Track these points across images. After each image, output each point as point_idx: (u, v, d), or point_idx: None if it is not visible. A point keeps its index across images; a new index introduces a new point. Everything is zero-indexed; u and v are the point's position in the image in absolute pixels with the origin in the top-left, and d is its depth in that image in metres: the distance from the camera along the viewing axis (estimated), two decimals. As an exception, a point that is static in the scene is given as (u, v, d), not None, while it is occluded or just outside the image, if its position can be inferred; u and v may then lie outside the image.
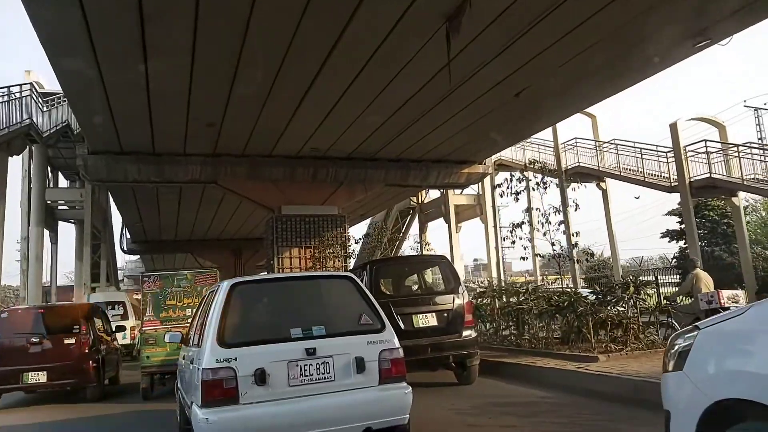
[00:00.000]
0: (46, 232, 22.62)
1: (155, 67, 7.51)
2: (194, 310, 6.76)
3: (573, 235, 8.96)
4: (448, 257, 10.56)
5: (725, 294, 7.87)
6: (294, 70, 8.05)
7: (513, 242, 9.27)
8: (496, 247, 21.51)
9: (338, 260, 12.55)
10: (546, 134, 19.55)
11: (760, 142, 22.08)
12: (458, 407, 6.27)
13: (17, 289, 22.74)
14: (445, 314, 7.66)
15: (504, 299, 10.27)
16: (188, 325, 6.35)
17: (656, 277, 9.65)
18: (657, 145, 17.08)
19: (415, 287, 9.69)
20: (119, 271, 36.79)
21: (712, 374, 2.59)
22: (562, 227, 8.82)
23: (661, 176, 16.77)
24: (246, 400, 3.68)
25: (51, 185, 23.69)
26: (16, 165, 20.65)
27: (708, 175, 15.52)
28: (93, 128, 10.22)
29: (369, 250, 13.97)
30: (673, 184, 16.24)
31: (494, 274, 21.43)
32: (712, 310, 7.45)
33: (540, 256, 9.83)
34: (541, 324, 9.06)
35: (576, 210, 9.07)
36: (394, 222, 23.87)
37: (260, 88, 8.57)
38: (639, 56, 8.14)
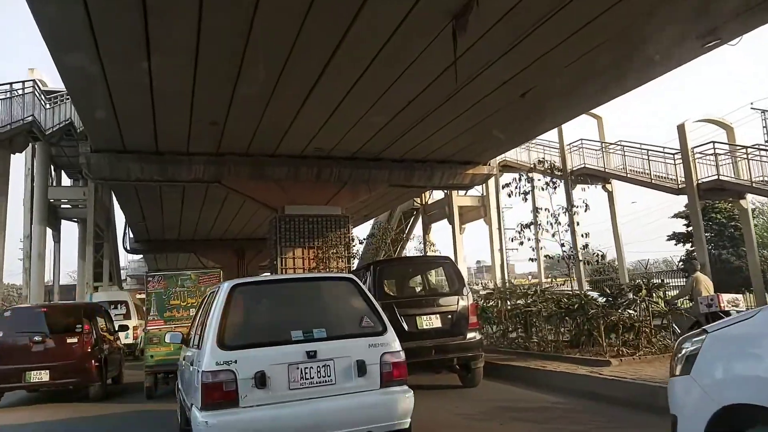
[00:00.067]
0: (49, 231, 22.65)
1: (158, 64, 7.48)
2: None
3: (582, 236, 8.82)
4: (452, 258, 10.47)
5: (725, 297, 7.84)
6: (298, 70, 7.99)
7: (521, 243, 9.16)
8: (501, 249, 21.41)
9: (342, 261, 12.49)
10: (551, 135, 19.48)
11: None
12: (465, 411, 6.11)
13: (20, 288, 22.73)
14: (450, 316, 7.58)
15: (512, 301, 10.12)
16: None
17: (662, 280, 9.51)
18: (664, 147, 16.98)
19: (419, 288, 9.61)
20: (122, 271, 36.86)
21: (720, 379, 2.56)
22: (570, 228, 8.67)
23: (668, 178, 16.64)
24: (246, 404, 3.64)
25: (54, 184, 23.74)
26: (19, 163, 20.71)
27: (716, 177, 15.37)
28: (96, 126, 10.20)
29: (373, 250, 13.90)
30: (680, 186, 16.11)
31: (498, 276, 21.35)
32: (712, 314, 7.42)
33: (549, 257, 9.66)
34: (549, 327, 8.91)
35: (586, 210, 8.96)
36: (398, 223, 23.80)
37: (264, 88, 8.52)
38: (646, 56, 8.04)
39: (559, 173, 10.20)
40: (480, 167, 13.68)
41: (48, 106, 16.41)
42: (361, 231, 23.99)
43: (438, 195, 23.26)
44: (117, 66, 7.60)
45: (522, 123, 11.31)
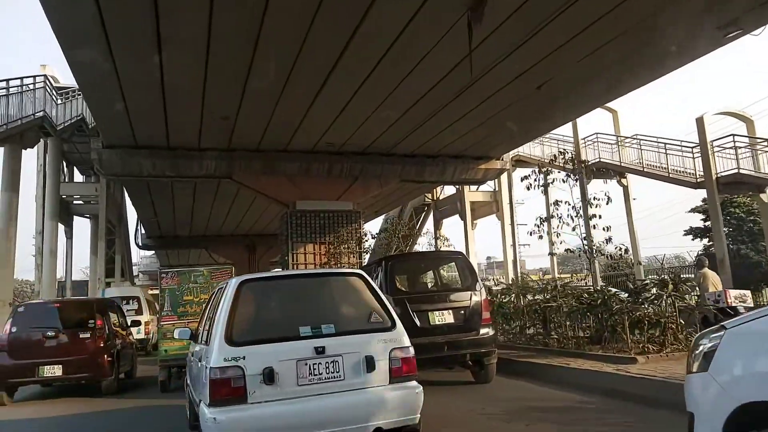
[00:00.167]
0: (62, 227, 22.84)
1: (169, 59, 7.44)
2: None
3: (604, 229, 8.64)
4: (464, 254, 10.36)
5: (732, 293, 7.77)
6: (308, 65, 7.92)
7: (540, 236, 9.01)
8: (513, 245, 21.23)
9: (353, 256, 12.42)
10: (565, 130, 19.24)
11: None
12: (489, 411, 5.93)
13: (33, 283, 22.95)
14: (462, 311, 7.51)
15: (530, 296, 9.92)
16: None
17: (679, 276, 9.30)
18: (681, 141, 16.67)
19: (431, 284, 9.52)
20: (134, 267, 37.13)
21: (739, 376, 2.51)
22: (591, 221, 8.46)
23: (686, 172, 16.35)
24: (254, 400, 3.62)
25: (66, 180, 23.90)
26: (31, 159, 20.89)
27: (736, 170, 15.06)
28: (107, 122, 10.20)
29: (385, 245, 13.81)
30: (699, 180, 15.81)
31: (510, 272, 21.19)
32: (719, 310, 7.37)
33: (570, 251, 9.47)
34: (569, 323, 8.73)
35: (608, 203, 8.76)
36: (408, 219, 23.70)
37: (275, 83, 8.46)
38: (664, 48, 7.85)
39: (582, 165, 9.90)
40: (493, 162, 13.53)
41: (59, 101, 16.46)
42: (372, 227, 23.92)
43: (449, 190, 23.16)
44: (128, 61, 7.56)
45: (536, 117, 11.14)
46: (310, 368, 3.75)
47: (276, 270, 17.11)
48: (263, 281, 4.51)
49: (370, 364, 3.84)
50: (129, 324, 11.27)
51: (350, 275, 4.66)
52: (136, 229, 25.23)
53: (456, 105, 9.68)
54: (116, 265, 25.44)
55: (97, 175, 18.42)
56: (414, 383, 4.02)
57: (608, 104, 17.12)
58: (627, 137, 18.54)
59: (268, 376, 3.63)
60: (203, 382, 3.82)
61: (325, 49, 7.55)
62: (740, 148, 15.18)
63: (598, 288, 9.21)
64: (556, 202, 8.76)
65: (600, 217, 8.56)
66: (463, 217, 21.62)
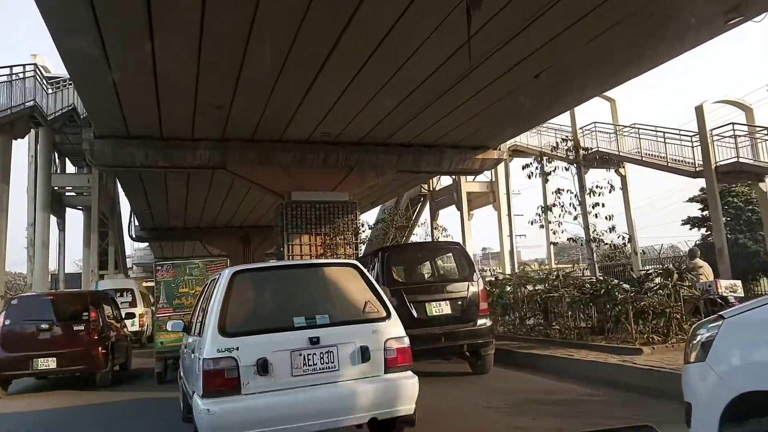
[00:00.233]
0: (54, 219, 22.59)
1: (162, 46, 7.27)
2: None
3: (607, 218, 8.58)
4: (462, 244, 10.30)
5: (723, 283, 7.76)
6: (304, 52, 7.78)
7: (541, 226, 8.93)
8: (510, 235, 21.21)
9: (349, 247, 12.35)
10: (562, 119, 19.11)
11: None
12: (494, 404, 5.80)
13: (26, 276, 22.75)
14: (460, 302, 7.47)
15: (530, 287, 9.82)
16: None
17: (684, 265, 9.19)
18: (680, 130, 16.60)
19: (428, 275, 9.47)
20: (128, 259, 36.91)
21: (737, 365, 2.51)
22: (594, 210, 8.36)
23: (684, 161, 16.30)
24: (248, 391, 3.59)
25: (58, 171, 23.62)
26: (22, 151, 20.59)
27: (735, 159, 14.99)
28: (99, 111, 10.03)
29: (381, 236, 13.74)
30: (698, 169, 15.73)
31: (507, 262, 21.18)
32: (710, 300, 7.35)
33: (573, 241, 9.40)
34: (570, 313, 8.66)
35: (611, 191, 8.69)
36: (405, 209, 23.63)
37: (270, 70, 8.32)
38: (667, 34, 7.76)
39: (585, 151, 9.78)
40: (490, 152, 13.44)
41: (50, 91, 16.16)
42: (368, 218, 23.80)
43: (446, 181, 23.08)
44: (120, 48, 7.41)
45: (534, 105, 11.01)
46: (304, 359, 3.72)
47: (272, 261, 17.03)
48: (256, 272, 4.46)
49: (364, 354, 3.81)
50: (123, 316, 11.17)
51: (344, 265, 4.64)
52: (130, 221, 25.03)
53: (453, 94, 9.56)
54: (109, 258, 25.20)
55: (89, 166, 18.18)
56: (409, 373, 3.99)
57: (606, 93, 16.98)
58: (625, 126, 18.46)
59: (262, 367, 3.59)
60: (196, 374, 3.79)
61: (321, 36, 7.42)
62: (739, 136, 15.12)
63: (599, 278, 9.10)
64: (558, 191, 8.67)
65: (603, 205, 8.48)
66: (460, 208, 21.56)
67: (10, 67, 13.18)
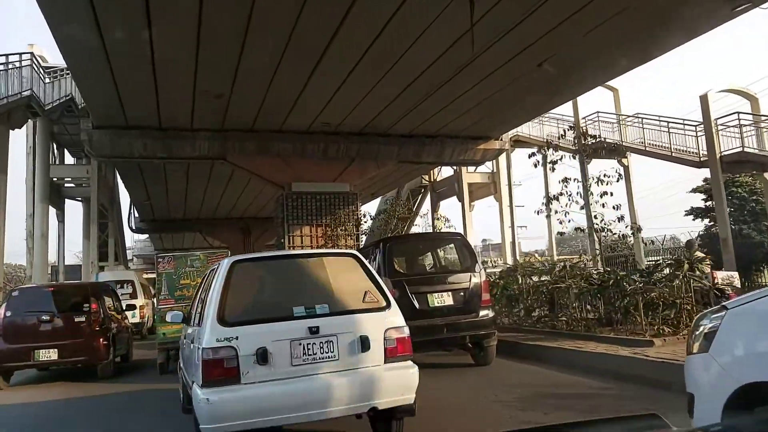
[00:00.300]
0: (53, 211, 22.50)
1: (160, 34, 7.18)
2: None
3: (614, 208, 8.45)
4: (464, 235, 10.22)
5: (719, 275, 7.69)
6: (304, 40, 7.68)
7: (548, 215, 8.81)
8: (512, 226, 21.13)
9: (350, 238, 12.29)
10: (565, 109, 18.94)
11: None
12: (503, 398, 5.61)
13: (26, 268, 22.69)
14: (462, 293, 7.41)
15: (536, 278, 9.67)
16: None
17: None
18: (684, 119, 16.43)
19: (430, 266, 9.41)
20: (128, 251, 36.89)
21: (740, 356, 2.51)
22: (602, 199, 8.22)
23: (688, 151, 16.16)
24: (248, 380, 3.57)
25: (57, 162, 23.49)
26: (21, 141, 20.46)
27: (740, 149, 14.80)
28: (96, 101, 9.94)
29: (383, 227, 13.67)
30: (702, 159, 15.55)
31: (508, 254, 21.11)
32: (706, 292, 7.26)
33: (581, 230, 9.27)
34: (576, 304, 8.55)
35: (618, 180, 8.56)
36: (406, 201, 23.55)
37: (270, 58, 8.22)
38: (673, 22, 7.63)
39: (593, 140, 9.58)
40: (492, 142, 13.35)
41: (47, 80, 15.98)
42: (368, 209, 23.71)
43: (447, 172, 22.97)
44: (117, 36, 7.30)
45: (537, 95, 10.92)
46: (304, 348, 3.70)
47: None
48: (256, 261, 4.44)
49: (364, 344, 3.79)
50: (124, 308, 11.15)
51: (344, 255, 4.61)
52: (130, 213, 24.98)
53: (455, 82, 9.47)
54: (109, 249, 25.13)
55: (88, 157, 18.08)
56: (409, 363, 3.96)
57: (609, 83, 16.79)
58: (629, 116, 18.29)
59: (262, 357, 3.57)
60: (196, 364, 3.76)
61: (320, 25, 7.32)
62: (744, 126, 14.91)
63: (607, 269, 8.93)
64: (566, 179, 8.54)
65: (612, 194, 8.35)
66: (461, 199, 21.46)
67: (6, 55, 13.00)
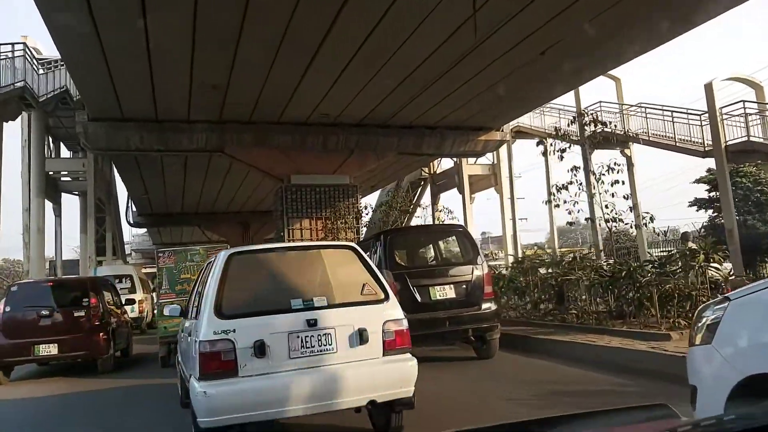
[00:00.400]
0: (50, 205, 22.31)
1: (155, 22, 7.03)
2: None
3: (625, 197, 8.27)
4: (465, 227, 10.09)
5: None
6: (302, 29, 7.54)
7: (557, 205, 8.64)
8: (513, 218, 21.02)
9: (351, 231, 12.18)
10: (567, 100, 18.75)
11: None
12: (517, 396, 5.36)
13: (24, 263, 22.53)
14: (464, 286, 7.30)
15: (543, 270, 9.47)
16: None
17: (705, 245, 8.81)
18: (688, 109, 16.24)
19: (431, 258, 9.31)
20: (126, 245, 36.75)
21: (743, 348, 2.49)
22: (613, 188, 8.04)
23: (693, 141, 15.97)
24: (245, 373, 3.55)
25: (53, 156, 23.28)
26: (16, 134, 20.23)
27: (746, 138, 14.57)
28: (91, 92, 9.80)
29: (384, 219, 13.54)
30: (707, 149, 15.34)
31: (510, 246, 21.02)
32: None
33: (591, 221, 9.10)
34: (584, 296, 8.37)
35: (629, 169, 8.41)
36: (405, 193, 23.40)
37: (267, 48, 8.08)
38: (680, 6, 7.46)
39: (603, 126, 9.34)
40: (492, 133, 13.22)
41: (41, 71, 15.74)
42: (369, 201, 23.56)
43: (446, 164, 22.84)
44: (111, 24, 7.17)
45: (539, 84, 10.78)
46: (302, 341, 3.67)
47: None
48: (253, 254, 4.38)
49: (362, 336, 3.76)
50: (123, 302, 11.09)
51: (342, 248, 4.57)
52: (127, 207, 24.81)
53: (457, 72, 9.32)
54: (107, 244, 24.99)
55: (84, 150, 17.91)
56: (408, 356, 3.93)
57: (611, 72, 16.56)
58: (632, 105, 18.09)
59: (259, 349, 3.55)
60: (193, 357, 3.73)
61: (320, 11, 7.17)
62: (750, 115, 14.67)
63: (617, 260, 8.69)
64: (575, 168, 8.38)
65: (623, 183, 8.17)
66: (462, 191, 21.33)
67: (-2, 45, 12.73)
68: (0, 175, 12.97)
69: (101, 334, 8.58)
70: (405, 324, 3.97)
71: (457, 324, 7.10)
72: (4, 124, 13.14)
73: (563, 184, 8.41)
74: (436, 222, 16.76)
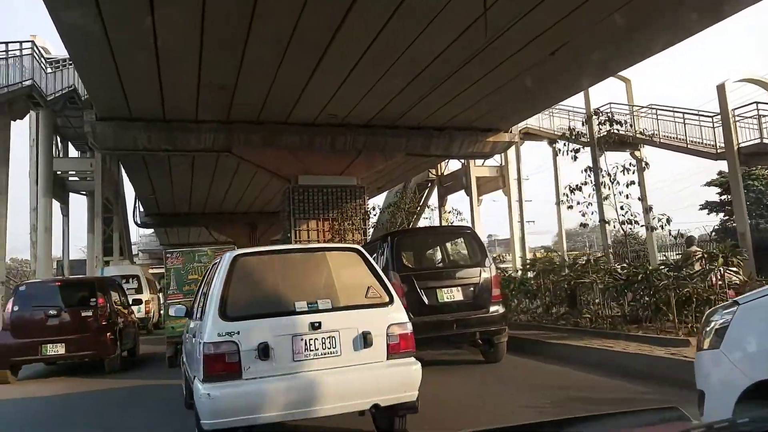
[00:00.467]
0: (57, 205, 22.38)
1: (162, 20, 7.01)
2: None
3: (639, 199, 8.13)
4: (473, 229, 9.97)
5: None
6: (311, 27, 7.49)
7: (570, 207, 8.51)
8: (521, 221, 20.86)
9: (358, 233, 12.12)
10: (576, 101, 18.64)
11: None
12: (535, 404, 5.17)
13: (31, 263, 22.63)
14: (472, 288, 7.19)
15: (559, 273, 9.26)
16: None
17: (724, 248, 8.55)
18: (699, 110, 16.03)
19: (439, 260, 9.21)
20: (133, 246, 36.87)
21: (753, 353, 2.45)
22: (628, 189, 7.90)
23: (704, 143, 15.77)
24: (249, 375, 3.54)
25: (61, 155, 23.37)
26: (24, 134, 20.31)
27: (759, 140, 14.35)
28: (99, 91, 9.80)
29: (391, 219, 13.46)
30: (719, 151, 15.10)
31: (517, 249, 20.85)
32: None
33: (606, 223, 8.94)
34: (597, 300, 8.18)
35: (644, 169, 8.27)
36: (413, 195, 23.30)
37: (275, 47, 8.04)
38: (695, 4, 7.31)
39: (619, 126, 9.17)
40: (501, 135, 13.12)
41: (49, 70, 15.77)
42: (375, 203, 23.48)
43: (454, 165, 22.73)
44: (119, 23, 7.15)
45: (549, 85, 10.67)
46: (305, 344, 3.66)
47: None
48: (258, 256, 4.36)
49: (366, 340, 3.75)
50: (131, 302, 11.09)
51: (347, 250, 4.53)
52: (135, 207, 24.89)
53: (466, 71, 9.24)
54: (114, 244, 25.05)
55: (92, 150, 17.95)
56: (412, 359, 3.91)
57: (621, 72, 16.35)
58: (642, 107, 17.88)
59: (263, 352, 3.53)
60: (197, 358, 3.74)
61: (328, 9, 7.11)
62: (764, 116, 14.43)
63: (631, 263, 8.51)
64: (589, 169, 8.25)
65: (638, 184, 8.03)
66: (469, 193, 21.20)
67: (6, 43, 12.71)
68: (8, 175, 13.00)
69: (108, 334, 8.59)
70: (409, 328, 3.95)
71: (464, 327, 6.99)
72: (12, 123, 13.15)
73: (577, 185, 8.28)
74: (444, 223, 16.66)
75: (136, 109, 10.35)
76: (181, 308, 5.11)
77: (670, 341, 6.38)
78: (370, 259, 4.27)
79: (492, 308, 7.18)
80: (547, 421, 1.29)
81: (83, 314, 8.49)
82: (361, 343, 3.74)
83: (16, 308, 8.33)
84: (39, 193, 17.78)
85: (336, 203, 12.30)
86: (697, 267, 7.12)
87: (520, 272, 10.86)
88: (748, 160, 14.86)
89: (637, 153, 16.20)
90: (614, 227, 8.95)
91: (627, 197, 7.89)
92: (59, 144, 23.51)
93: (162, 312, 15.97)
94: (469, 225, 14.97)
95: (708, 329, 2.73)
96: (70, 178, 22.99)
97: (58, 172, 21.01)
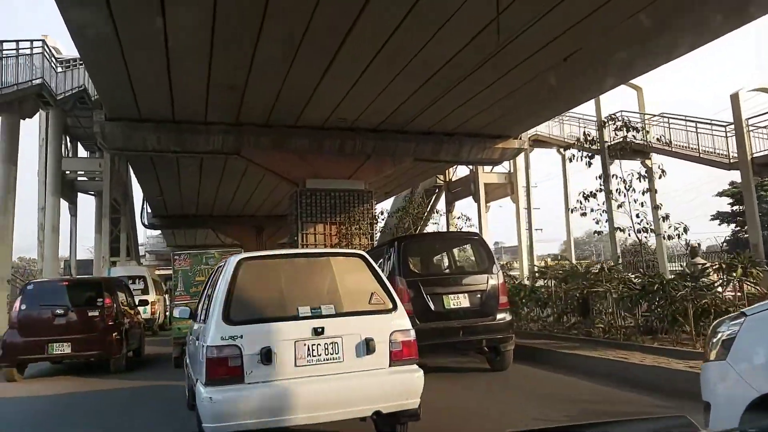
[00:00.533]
0: (65, 205, 22.49)
1: (173, 20, 7.00)
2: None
3: (654, 208, 7.99)
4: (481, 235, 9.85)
5: None
6: (321, 30, 7.48)
7: (584, 214, 8.36)
8: (529, 229, 20.72)
9: (365, 237, 12.05)
10: (586, 108, 18.43)
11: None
12: (551, 416, 4.95)
13: (38, 262, 22.73)
14: (478, 295, 7.11)
15: (571, 281, 9.09)
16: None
17: (743, 259, 8.33)
18: (711, 120, 15.86)
19: (446, 266, 9.12)
20: (140, 247, 37.03)
21: (760, 364, 2.42)
22: (644, 196, 7.76)
23: (716, 152, 15.58)
24: (251, 380, 3.54)
25: (70, 155, 23.51)
26: (33, 133, 20.48)
27: (773, 150, 14.22)
28: (109, 91, 9.83)
29: (398, 224, 13.41)
30: (732, 161, 14.92)
31: (525, 257, 20.68)
32: None
33: (620, 230, 8.76)
34: (610, 310, 8.01)
35: (660, 177, 8.13)
36: (421, 200, 23.22)
37: (286, 48, 8.02)
38: (710, 10, 7.20)
39: (637, 132, 9.03)
40: (510, 141, 13.04)
41: (60, 69, 15.84)
42: (383, 207, 23.40)
43: (462, 172, 22.64)
44: (129, 23, 7.16)
45: (561, 91, 10.54)
46: (308, 349, 3.66)
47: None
48: (262, 260, 4.34)
49: (369, 346, 3.75)
50: (137, 303, 11.09)
51: (351, 255, 4.52)
52: (142, 208, 25.00)
53: (477, 76, 9.17)
54: (121, 244, 25.13)
55: (101, 150, 18.02)
56: (415, 367, 3.90)
57: (633, 81, 16.22)
58: (654, 115, 17.72)
59: (266, 356, 3.53)
60: (200, 361, 3.74)
61: (339, 12, 7.08)
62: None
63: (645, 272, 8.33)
64: (603, 176, 8.13)
65: (656, 191, 7.91)
66: (477, 199, 21.10)
67: (17, 41, 12.73)
68: (16, 174, 13.04)
69: (114, 334, 8.61)
70: (412, 335, 3.94)
71: (470, 334, 6.89)
72: (22, 121, 13.19)
73: (591, 191, 8.15)
74: (453, 229, 16.54)
75: (145, 110, 10.37)
76: (185, 309, 5.12)
77: (687, 354, 6.21)
78: (375, 265, 4.25)
79: (499, 316, 7.08)
80: (552, 428, 1.22)
81: (90, 314, 8.53)
82: (363, 349, 3.73)
83: (23, 307, 8.36)
84: (47, 192, 17.89)
85: (343, 207, 12.27)
86: (714, 277, 6.95)
87: (530, 280, 10.67)
88: (761, 170, 14.63)
89: (648, 162, 16.04)
90: (628, 235, 8.77)
91: (642, 205, 7.75)
92: (68, 144, 23.69)
93: (168, 313, 15.98)
94: (477, 231, 14.83)
95: (714, 340, 2.71)
96: (79, 178, 23.11)
97: (67, 172, 21.15)
